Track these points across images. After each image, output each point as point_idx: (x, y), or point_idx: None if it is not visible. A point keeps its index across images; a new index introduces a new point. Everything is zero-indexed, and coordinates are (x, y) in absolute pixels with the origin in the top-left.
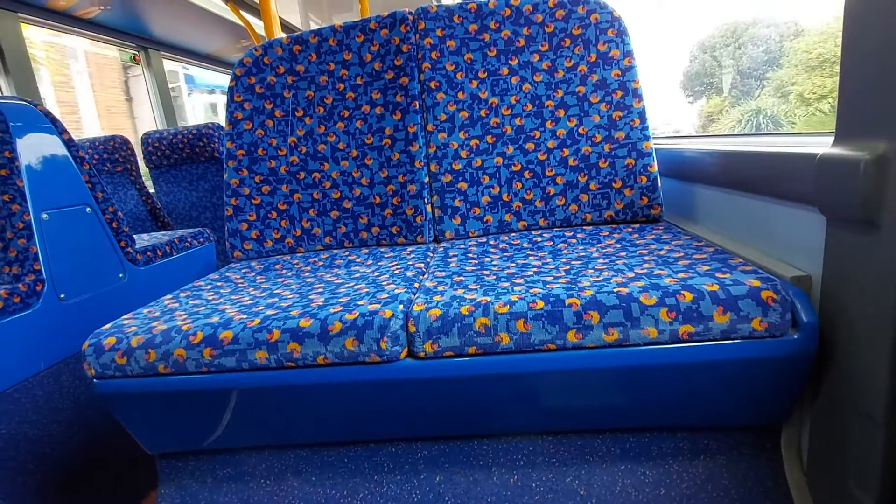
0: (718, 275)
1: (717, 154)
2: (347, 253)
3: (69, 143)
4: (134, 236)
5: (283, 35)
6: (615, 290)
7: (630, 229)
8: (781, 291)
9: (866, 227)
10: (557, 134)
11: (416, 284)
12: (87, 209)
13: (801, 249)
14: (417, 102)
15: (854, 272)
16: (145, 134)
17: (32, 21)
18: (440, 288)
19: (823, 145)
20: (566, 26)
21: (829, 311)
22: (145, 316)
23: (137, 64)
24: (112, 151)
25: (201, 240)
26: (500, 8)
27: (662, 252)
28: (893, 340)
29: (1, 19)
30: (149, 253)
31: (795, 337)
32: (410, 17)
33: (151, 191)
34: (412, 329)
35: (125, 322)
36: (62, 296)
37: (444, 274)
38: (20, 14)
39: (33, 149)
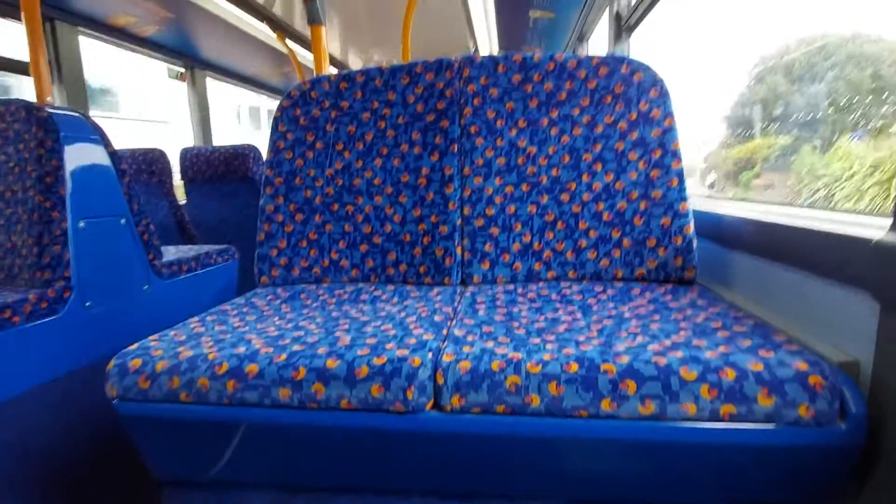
0: (762, 352)
1: (758, 223)
2: (373, 288)
3: (113, 155)
4: (161, 248)
5: (333, 71)
6: (653, 359)
7: (663, 289)
8: (829, 377)
9: None
10: (593, 187)
11: (445, 331)
12: (122, 220)
13: (847, 332)
14: (456, 146)
15: None
16: (184, 149)
17: (91, 35)
18: (469, 338)
19: (877, 226)
20: (609, 83)
21: (880, 402)
22: (171, 339)
23: (183, 81)
24: (150, 163)
25: (226, 257)
26: (545, 62)
27: (699, 319)
28: None
29: (61, 32)
30: (174, 266)
31: (843, 427)
32: (456, 64)
33: (182, 202)
34: (440, 380)
35: (151, 344)
36: (87, 304)
37: (472, 322)
38: (80, 28)
39: (79, 159)
